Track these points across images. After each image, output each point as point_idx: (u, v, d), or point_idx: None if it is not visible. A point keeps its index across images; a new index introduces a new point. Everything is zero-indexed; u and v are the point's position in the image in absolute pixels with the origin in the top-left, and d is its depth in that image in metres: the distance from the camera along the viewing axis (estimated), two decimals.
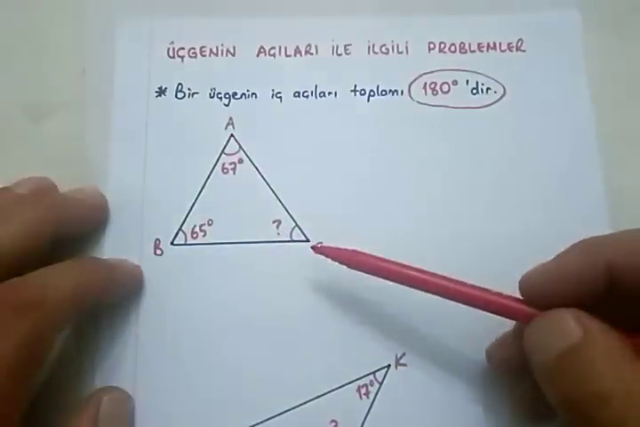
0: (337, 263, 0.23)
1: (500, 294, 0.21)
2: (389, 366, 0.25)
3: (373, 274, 0.23)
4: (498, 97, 0.28)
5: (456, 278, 0.22)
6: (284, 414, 0.24)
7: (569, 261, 0.20)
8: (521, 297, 0.21)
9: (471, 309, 0.21)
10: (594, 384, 0.17)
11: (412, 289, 0.22)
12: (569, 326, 0.18)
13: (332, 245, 0.24)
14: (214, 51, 0.29)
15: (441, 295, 0.22)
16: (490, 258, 0.26)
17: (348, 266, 0.23)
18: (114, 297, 0.25)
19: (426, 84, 0.28)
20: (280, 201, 0.27)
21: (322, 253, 0.24)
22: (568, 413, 0.18)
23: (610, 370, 0.17)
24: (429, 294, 0.22)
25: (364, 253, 0.23)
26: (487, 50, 0.29)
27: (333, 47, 0.29)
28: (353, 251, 0.23)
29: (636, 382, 0.17)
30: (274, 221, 0.27)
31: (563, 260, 0.20)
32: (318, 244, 0.25)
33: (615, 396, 0.16)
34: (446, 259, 0.25)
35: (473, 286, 0.21)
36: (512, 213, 0.26)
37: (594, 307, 0.19)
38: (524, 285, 0.21)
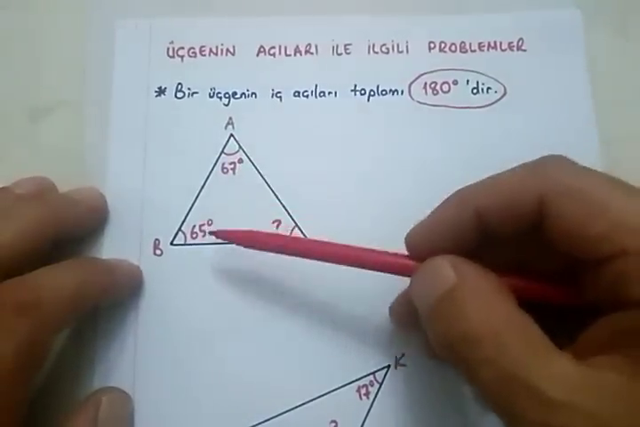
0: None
1: (387, 253, 0.21)
2: (389, 366, 0.25)
3: (269, 250, 0.23)
4: (498, 97, 0.28)
5: (345, 244, 0.22)
6: (284, 415, 0.24)
7: (442, 211, 0.20)
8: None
9: None
10: (464, 326, 0.17)
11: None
12: (444, 271, 0.18)
13: (228, 228, 0.24)
14: (214, 50, 0.29)
15: (334, 262, 0.22)
16: None
17: (244, 246, 0.24)
18: (113, 298, 0.25)
19: (426, 83, 0.28)
20: (280, 201, 0.27)
21: (219, 237, 0.24)
22: (446, 357, 0.18)
23: (479, 312, 0.17)
24: None
25: (258, 232, 0.24)
26: (488, 49, 0.29)
27: (333, 47, 0.29)
28: (248, 231, 0.24)
29: (503, 322, 0.17)
30: (274, 221, 0.27)
31: (437, 212, 0.21)
32: (216, 230, 0.25)
33: (484, 337, 0.16)
34: None
35: (361, 249, 0.22)
36: None
37: (474, 252, 0.20)
38: (408, 241, 0.21)
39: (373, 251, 0.22)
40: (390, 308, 0.24)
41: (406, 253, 0.21)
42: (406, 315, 0.22)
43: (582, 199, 0.17)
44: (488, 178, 0.20)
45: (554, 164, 0.19)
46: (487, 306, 0.17)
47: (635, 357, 0.16)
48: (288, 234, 0.26)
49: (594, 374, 0.15)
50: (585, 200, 0.17)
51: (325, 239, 0.26)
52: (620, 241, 0.17)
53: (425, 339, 0.23)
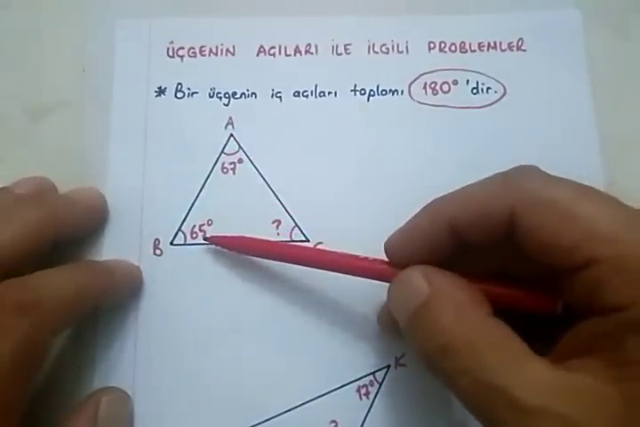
0: None
1: (368, 259, 0.22)
2: (389, 366, 0.25)
3: (259, 256, 0.25)
4: (498, 97, 0.28)
5: (331, 250, 0.23)
6: (284, 415, 0.24)
7: (416, 221, 0.21)
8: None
9: None
10: (440, 338, 0.17)
11: None
12: (417, 283, 0.19)
13: (223, 234, 0.26)
14: (214, 50, 0.29)
15: (319, 267, 0.23)
16: None
17: (239, 251, 0.25)
18: (113, 299, 0.25)
19: (426, 83, 0.28)
20: (280, 201, 0.27)
21: (212, 243, 0.26)
22: (425, 367, 0.18)
23: (453, 323, 0.17)
24: None
25: (250, 238, 0.25)
26: (487, 49, 0.29)
27: (333, 47, 0.29)
28: (239, 236, 0.25)
29: (477, 331, 0.17)
30: (274, 221, 0.27)
31: (412, 221, 0.21)
32: (211, 236, 0.26)
33: (460, 348, 0.17)
34: None
35: (344, 255, 0.23)
36: None
37: (451, 259, 0.20)
38: (386, 248, 0.22)
39: (356, 257, 0.22)
40: (378, 316, 0.25)
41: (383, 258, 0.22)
42: (392, 322, 0.23)
43: (553, 210, 0.18)
44: (461, 189, 0.20)
45: (525, 175, 0.19)
46: (461, 316, 0.18)
47: (609, 360, 0.16)
48: (288, 236, 0.26)
49: (569, 379, 0.16)
50: (555, 210, 0.18)
51: (326, 240, 0.26)
52: (592, 250, 0.17)
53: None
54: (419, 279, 0.19)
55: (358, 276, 0.22)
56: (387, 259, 0.22)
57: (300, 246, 0.25)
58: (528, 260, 0.19)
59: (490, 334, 0.17)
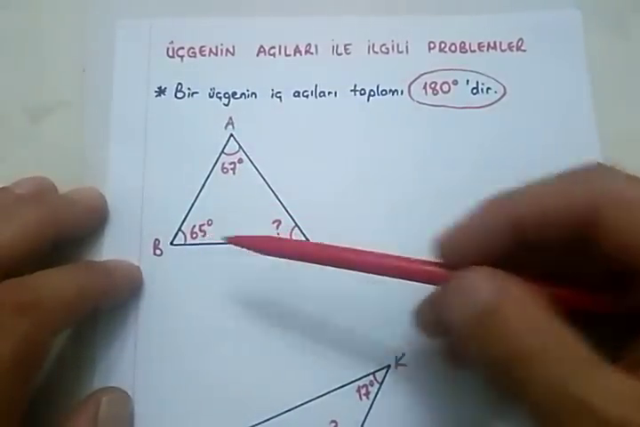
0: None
1: (411, 260, 0.20)
2: (389, 366, 0.25)
3: (289, 257, 0.22)
4: (498, 97, 0.28)
5: (368, 250, 0.21)
6: (284, 415, 0.24)
7: (476, 220, 0.20)
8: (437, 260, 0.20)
9: None
10: (511, 344, 0.17)
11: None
12: (481, 286, 0.18)
13: (247, 235, 0.23)
14: (214, 50, 0.29)
15: (359, 270, 0.21)
16: None
17: (267, 253, 0.22)
18: (113, 300, 0.25)
19: (426, 83, 0.28)
20: (280, 201, 0.27)
21: (236, 244, 0.22)
22: (492, 373, 0.17)
23: (526, 328, 0.17)
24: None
25: (279, 238, 0.23)
26: (487, 49, 0.29)
27: (333, 47, 0.29)
28: (267, 237, 0.22)
29: (551, 338, 0.16)
30: (274, 221, 0.27)
31: (470, 220, 0.20)
32: (234, 236, 0.23)
33: (533, 354, 0.16)
34: None
35: (387, 256, 0.21)
36: None
37: (508, 261, 0.19)
38: (441, 247, 0.20)
39: (398, 258, 0.21)
40: (416, 317, 0.23)
41: (422, 258, 0.21)
42: (434, 324, 0.22)
43: (638, 208, 0.17)
44: (527, 187, 0.19)
45: (603, 173, 0.18)
46: (533, 322, 0.17)
47: None
48: (288, 236, 0.26)
49: None
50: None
51: (327, 240, 0.26)
52: None
53: (447, 346, 0.23)
54: (483, 282, 0.18)
55: (401, 278, 0.20)
56: (421, 257, 0.21)
57: (335, 248, 0.22)
58: (592, 261, 0.18)
59: (562, 341, 0.16)
